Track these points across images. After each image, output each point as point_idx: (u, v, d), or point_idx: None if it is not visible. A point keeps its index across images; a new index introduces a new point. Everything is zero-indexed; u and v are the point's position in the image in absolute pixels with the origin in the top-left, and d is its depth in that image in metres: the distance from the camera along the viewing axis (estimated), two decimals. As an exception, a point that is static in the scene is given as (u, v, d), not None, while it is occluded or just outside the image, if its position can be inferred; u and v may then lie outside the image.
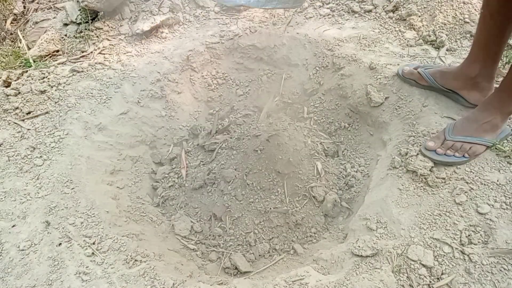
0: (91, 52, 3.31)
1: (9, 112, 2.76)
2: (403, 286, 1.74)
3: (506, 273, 1.70)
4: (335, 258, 1.95)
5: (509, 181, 1.98)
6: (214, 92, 3.33)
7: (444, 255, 1.80)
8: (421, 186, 2.07)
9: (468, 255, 1.78)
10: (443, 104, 2.44)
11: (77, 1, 3.48)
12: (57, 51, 3.38)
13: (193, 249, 2.39)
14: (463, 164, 2.08)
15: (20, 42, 3.48)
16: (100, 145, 2.66)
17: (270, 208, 2.43)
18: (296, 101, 3.16)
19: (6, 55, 3.33)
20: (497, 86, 2.12)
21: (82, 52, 3.34)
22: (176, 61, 3.18)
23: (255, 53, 3.29)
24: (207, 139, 2.91)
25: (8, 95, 2.82)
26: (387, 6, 3.34)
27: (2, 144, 2.57)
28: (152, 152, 2.92)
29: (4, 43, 3.63)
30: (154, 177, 2.81)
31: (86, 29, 3.46)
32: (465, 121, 2.12)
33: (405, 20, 3.19)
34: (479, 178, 2.02)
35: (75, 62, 3.23)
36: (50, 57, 3.34)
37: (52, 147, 2.54)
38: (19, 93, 2.85)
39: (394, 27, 3.17)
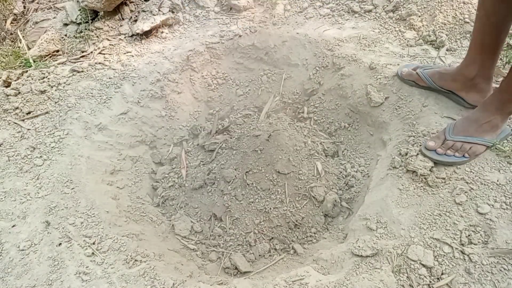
0: (91, 52, 3.32)
1: (9, 112, 2.76)
2: (403, 286, 1.74)
3: (506, 273, 1.70)
4: (335, 258, 1.95)
5: (509, 181, 1.98)
6: (214, 92, 3.33)
7: (444, 255, 1.80)
8: (421, 186, 2.07)
9: (468, 255, 1.78)
10: (443, 104, 2.44)
11: (77, 1, 3.48)
12: (57, 51, 3.39)
13: (193, 249, 2.39)
14: (463, 164, 2.08)
15: (20, 42, 3.49)
16: (100, 145, 2.66)
17: (270, 208, 2.43)
18: (296, 101, 3.16)
19: (6, 55, 3.33)
20: (497, 86, 2.12)
21: (82, 52, 3.34)
22: (176, 61, 3.18)
23: (255, 53, 3.29)
24: (207, 139, 2.91)
25: (8, 95, 2.82)
26: (387, 6, 3.34)
27: (2, 144, 2.57)
28: (152, 152, 2.92)
29: (4, 43, 3.63)
30: (154, 177, 2.81)
31: (86, 29, 3.46)
32: (465, 121, 2.12)
33: (405, 20, 3.19)
34: (479, 178, 2.02)
35: (75, 62, 3.23)
36: (50, 57, 3.34)
37: (52, 147, 2.54)
38: (19, 93, 2.85)
39: (394, 27, 3.17)
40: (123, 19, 3.60)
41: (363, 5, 3.41)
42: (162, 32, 3.47)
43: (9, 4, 3.95)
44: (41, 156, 2.48)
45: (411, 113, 2.44)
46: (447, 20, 3.04)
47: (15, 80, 2.95)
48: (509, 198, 1.92)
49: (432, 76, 2.39)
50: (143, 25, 3.38)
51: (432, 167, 2.09)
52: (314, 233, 2.40)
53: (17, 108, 2.77)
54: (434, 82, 2.36)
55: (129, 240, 2.11)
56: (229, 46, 3.32)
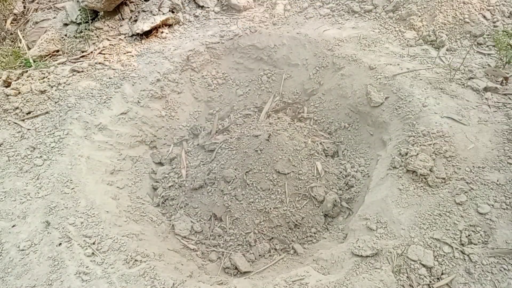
0: (91, 52, 3.32)
1: (9, 112, 2.76)
2: (403, 286, 1.74)
3: (506, 273, 1.70)
4: (335, 258, 1.95)
5: (509, 181, 1.98)
6: (214, 92, 3.33)
7: (444, 255, 1.80)
8: (421, 186, 2.07)
9: (468, 255, 1.78)
10: (443, 104, 2.44)
11: (77, 1, 3.48)
12: (57, 51, 3.39)
13: (193, 249, 2.39)
14: (463, 164, 2.08)
15: (20, 42, 3.49)
16: (100, 145, 2.66)
17: (270, 208, 2.43)
18: (296, 101, 3.16)
19: (6, 55, 3.33)
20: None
21: (82, 52, 3.34)
22: (176, 61, 3.18)
23: (255, 53, 3.29)
24: (207, 139, 2.91)
25: (8, 95, 2.82)
26: (387, 6, 3.34)
27: (2, 144, 2.57)
28: (152, 152, 2.92)
29: (4, 43, 3.63)
30: (154, 177, 2.80)
31: (86, 29, 3.46)
32: None
33: (405, 20, 3.19)
34: (479, 178, 2.02)
35: (75, 62, 3.23)
36: (50, 57, 3.34)
37: (52, 147, 2.54)
38: (19, 93, 2.85)
39: (394, 27, 3.17)
40: (123, 19, 3.60)
41: (363, 5, 3.41)
42: (162, 32, 3.47)
43: (9, 4, 3.95)
44: (41, 156, 2.48)
45: (411, 113, 2.44)
46: (447, 20, 3.04)
47: (15, 80, 2.95)
48: (509, 198, 1.92)
49: None
50: (143, 25, 3.38)
51: (432, 167, 2.09)
52: (314, 233, 2.40)
53: (17, 108, 2.77)
54: None
55: (129, 240, 2.11)
56: (229, 46, 3.32)
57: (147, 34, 3.43)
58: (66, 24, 3.56)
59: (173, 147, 2.99)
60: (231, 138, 2.78)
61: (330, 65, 3.02)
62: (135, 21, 3.53)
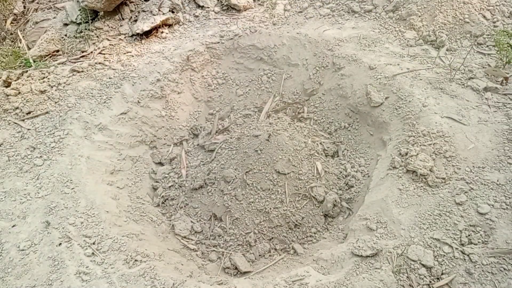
0: (91, 52, 3.32)
1: (9, 112, 2.76)
2: (403, 286, 1.74)
3: (506, 273, 1.70)
4: (335, 258, 1.95)
5: (509, 181, 1.98)
6: (214, 92, 3.33)
7: (444, 255, 1.80)
8: (421, 186, 2.07)
9: (468, 255, 1.78)
10: (443, 104, 2.44)
11: (77, 1, 3.48)
12: (57, 51, 3.39)
13: (193, 249, 2.39)
14: (463, 164, 2.09)
15: (20, 42, 3.49)
16: (100, 145, 2.66)
17: (270, 208, 2.43)
18: (296, 101, 3.16)
19: (6, 55, 3.33)
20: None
21: (82, 52, 3.35)
22: (176, 61, 3.18)
23: (255, 53, 3.29)
24: (207, 139, 2.91)
25: (8, 95, 2.83)
26: (387, 6, 3.34)
27: (2, 144, 2.57)
28: (152, 152, 2.92)
29: (4, 43, 3.63)
30: (154, 177, 2.80)
31: (86, 29, 3.46)
32: None
33: (405, 20, 3.19)
34: (479, 178, 2.02)
35: (75, 62, 3.23)
36: (50, 57, 3.34)
37: (52, 147, 2.54)
38: (19, 93, 2.85)
39: (394, 27, 3.17)
40: (123, 19, 3.60)
41: (363, 5, 3.41)
42: (162, 32, 3.47)
43: (9, 4, 3.95)
44: (41, 156, 2.48)
45: (411, 113, 2.44)
46: (447, 20, 3.04)
47: (15, 80, 2.95)
48: (509, 198, 1.92)
49: None
50: (143, 25, 3.38)
51: (432, 167, 2.09)
52: (314, 233, 2.40)
53: (17, 108, 2.77)
54: None
55: (129, 240, 2.11)
56: (229, 46, 3.32)
57: (147, 34, 3.43)
58: (66, 24, 3.56)
59: (173, 147, 2.99)
60: (231, 138, 2.78)
61: (330, 65, 3.02)
62: (135, 21, 3.53)
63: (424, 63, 2.80)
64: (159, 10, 3.52)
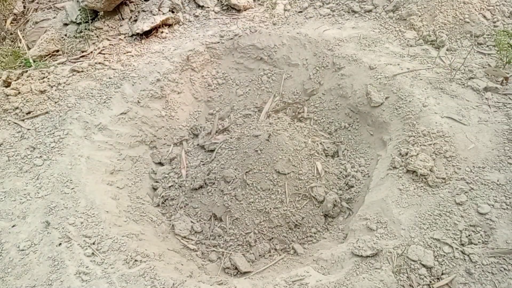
0: (91, 52, 3.32)
1: (9, 112, 2.76)
2: (403, 286, 1.74)
3: (506, 273, 1.70)
4: (335, 258, 1.95)
5: (509, 181, 1.98)
6: (214, 92, 3.33)
7: (444, 255, 1.80)
8: (421, 186, 2.07)
9: (468, 255, 1.77)
10: (444, 104, 2.44)
11: (77, 1, 3.48)
12: (57, 51, 3.38)
13: (193, 249, 2.39)
14: (463, 164, 2.08)
15: (20, 42, 3.49)
16: (100, 145, 2.65)
17: (270, 208, 2.43)
18: (296, 101, 3.16)
19: (6, 55, 3.32)
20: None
21: (82, 52, 3.34)
22: (176, 61, 3.18)
23: (255, 53, 3.29)
24: (207, 139, 2.91)
25: (8, 95, 2.82)
26: (387, 6, 3.33)
27: (2, 144, 2.57)
28: (152, 152, 2.92)
29: (4, 43, 3.63)
30: (154, 177, 2.80)
31: (86, 29, 3.46)
32: None
33: (405, 20, 3.19)
34: (479, 178, 2.02)
35: (75, 62, 3.23)
36: (50, 57, 3.34)
37: (52, 147, 2.53)
38: (19, 93, 2.85)
39: (394, 27, 3.17)
40: (123, 19, 3.60)
41: (363, 5, 3.41)
42: (162, 32, 3.47)
43: (9, 4, 3.95)
44: (41, 156, 2.48)
45: (411, 113, 2.44)
46: (447, 20, 3.04)
47: (15, 80, 2.95)
48: (509, 198, 1.92)
49: None
50: (143, 25, 3.38)
51: (432, 167, 2.09)
52: (314, 233, 2.40)
53: (17, 108, 2.77)
54: None
55: (129, 240, 2.11)
56: (229, 46, 3.32)
57: (147, 34, 3.43)
58: (66, 24, 3.56)
59: (173, 147, 2.99)
60: (231, 138, 2.78)
61: (330, 65, 3.02)
62: (135, 21, 3.53)
63: (424, 63, 2.80)
64: (159, 10, 3.52)
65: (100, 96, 2.88)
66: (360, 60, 2.86)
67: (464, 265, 1.75)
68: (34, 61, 3.19)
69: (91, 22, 3.49)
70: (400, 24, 3.19)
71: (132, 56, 3.24)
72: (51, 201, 2.22)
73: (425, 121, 2.35)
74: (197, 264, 2.28)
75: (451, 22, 3.03)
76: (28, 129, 2.65)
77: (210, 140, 2.86)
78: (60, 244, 2.02)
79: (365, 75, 2.77)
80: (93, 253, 1.99)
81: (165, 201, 2.66)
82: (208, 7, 3.69)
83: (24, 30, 3.74)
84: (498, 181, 1.99)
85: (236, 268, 2.25)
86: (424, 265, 1.78)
